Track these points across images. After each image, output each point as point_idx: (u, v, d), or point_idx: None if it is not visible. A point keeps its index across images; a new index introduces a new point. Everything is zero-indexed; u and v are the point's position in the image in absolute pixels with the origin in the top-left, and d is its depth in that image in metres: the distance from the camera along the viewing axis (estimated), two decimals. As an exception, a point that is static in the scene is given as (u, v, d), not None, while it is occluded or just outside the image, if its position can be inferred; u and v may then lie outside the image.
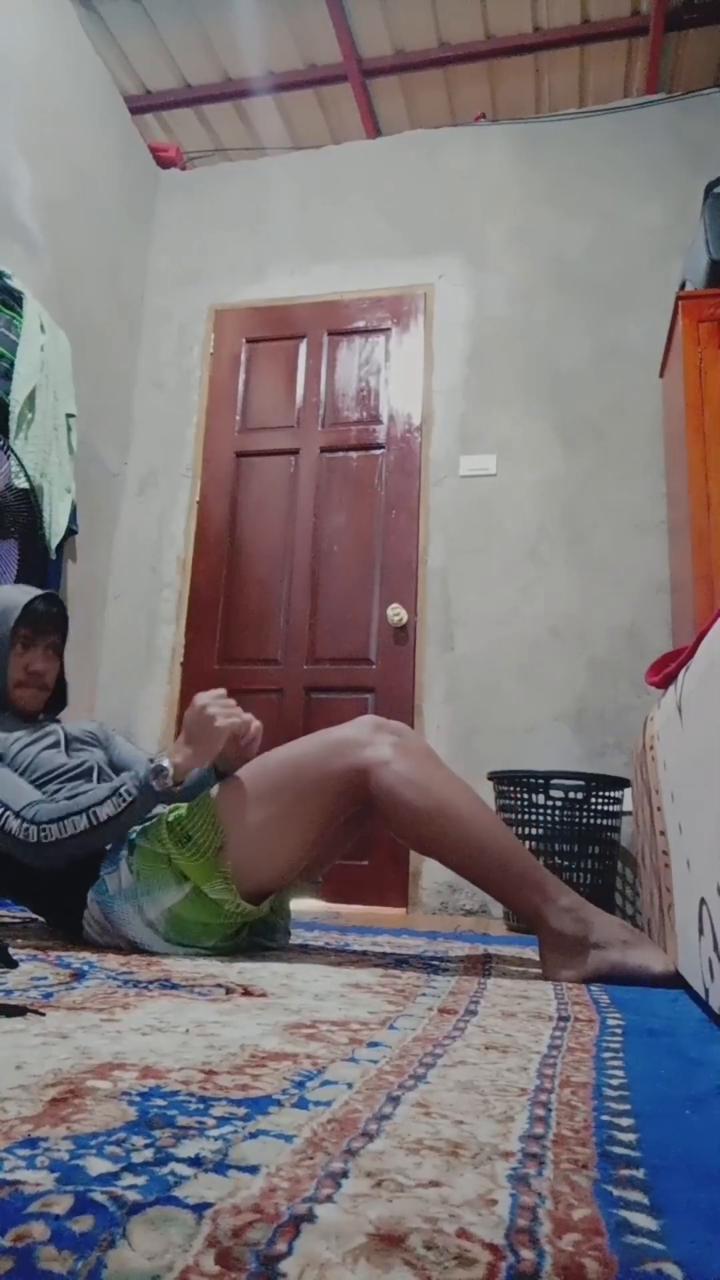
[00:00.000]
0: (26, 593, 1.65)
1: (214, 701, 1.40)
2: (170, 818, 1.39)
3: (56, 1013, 0.86)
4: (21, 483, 2.40)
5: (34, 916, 1.84)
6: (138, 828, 1.43)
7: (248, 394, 3.48)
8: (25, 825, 1.35)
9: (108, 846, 1.42)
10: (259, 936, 1.49)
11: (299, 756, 1.39)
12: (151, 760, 1.37)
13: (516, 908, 1.34)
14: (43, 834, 1.34)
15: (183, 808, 1.41)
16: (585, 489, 3.04)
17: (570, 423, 3.11)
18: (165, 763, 1.35)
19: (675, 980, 1.25)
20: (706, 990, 1.04)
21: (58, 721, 1.71)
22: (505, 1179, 0.47)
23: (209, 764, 1.44)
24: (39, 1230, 0.38)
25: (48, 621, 1.66)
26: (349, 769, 1.35)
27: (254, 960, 1.35)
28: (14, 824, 1.35)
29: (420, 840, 1.38)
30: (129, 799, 1.34)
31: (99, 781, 1.53)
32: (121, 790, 1.35)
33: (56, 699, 1.76)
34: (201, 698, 1.40)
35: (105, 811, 1.34)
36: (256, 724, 1.50)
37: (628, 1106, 0.63)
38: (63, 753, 1.60)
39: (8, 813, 1.37)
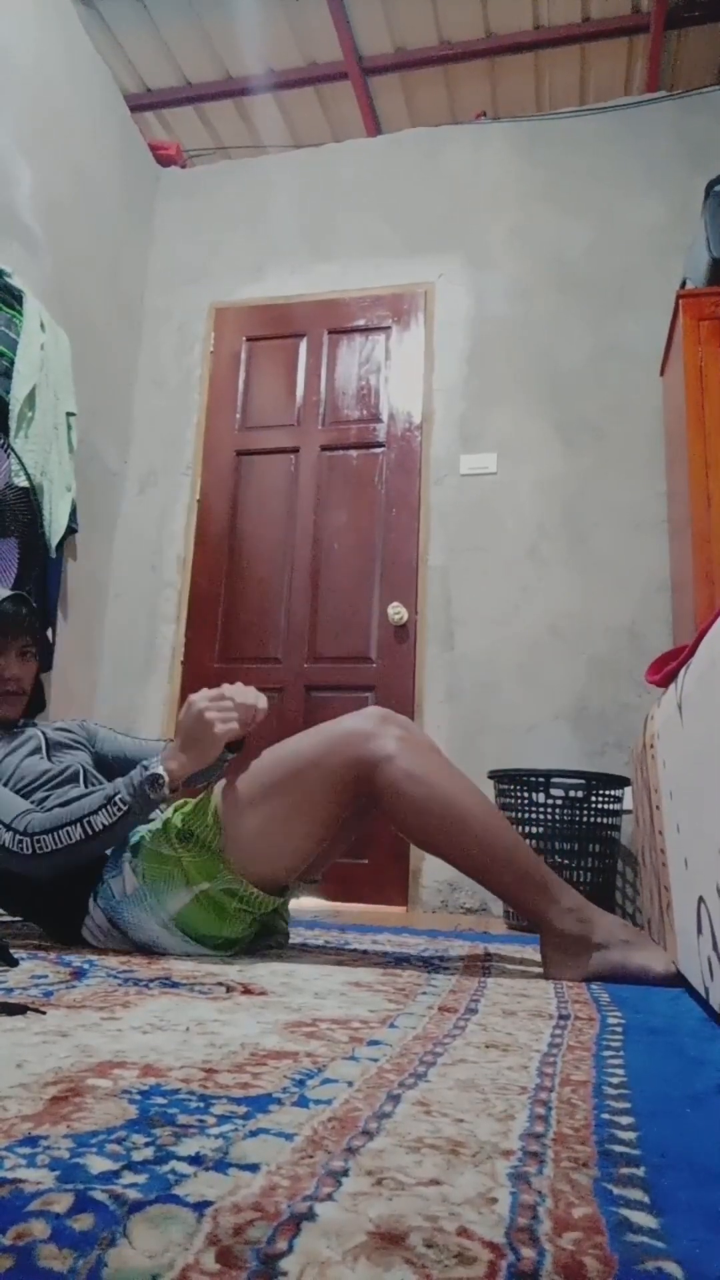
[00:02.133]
0: None
1: (210, 705, 1.36)
2: (174, 818, 1.38)
3: (57, 1011, 0.86)
4: (21, 481, 2.40)
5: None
6: (142, 829, 1.42)
7: (248, 392, 3.48)
8: (19, 837, 1.32)
9: (106, 852, 1.41)
10: (260, 939, 1.48)
11: (304, 749, 1.36)
12: (146, 767, 1.34)
13: (519, 906, 1.34)
14: (37, 845, 1.31)
15: (188, 804, 1.40)
16: (586, 488, 3.04)
17: (571, 421, 3.11)
18: (160, 770, 1.32)
19: (677, 980, 1.25)
20: (706, 989, 1.04)
21: (35, 725, 1.67)
22: (505, 1177, 0.47)
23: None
24: (39, 1228, 0.38)
25: (16, 624, 1.60)
26: (355, 762, 1.33)
27: (254, 959, 1.35)
28: (6, 836, 1.32)
29: (424, 836, 1.36)
30: (124, 808, 1.31)
31: (85, 785, 1.50)
32: (116, 799, 1.31)
33: (34, 701, 1.72)
34: (196, 700, 1.36)
35: (100, 821, 1.30)
36: (261, 704, 1.43)
37: (628, 1105, 0.63)
38: (45, 758, 1.56)
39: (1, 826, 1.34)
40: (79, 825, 1.30)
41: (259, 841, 1.33)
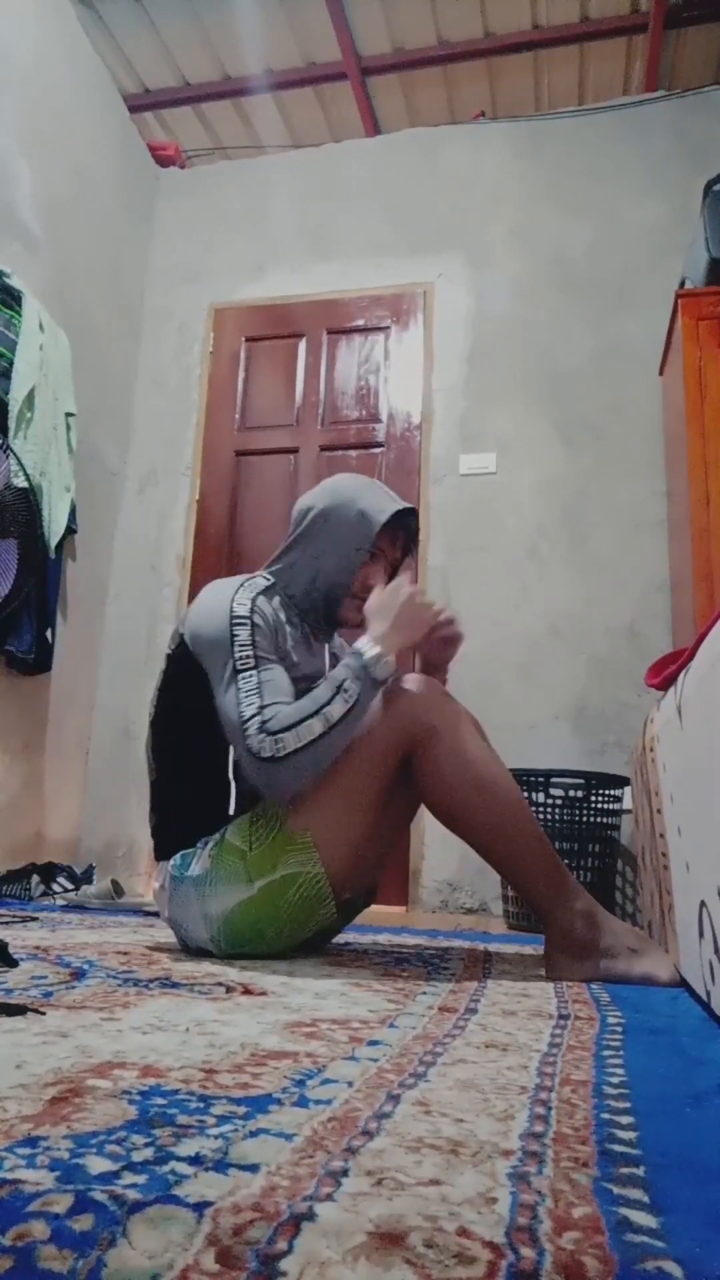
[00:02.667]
0: (394, 501, 1.52)
1: (417, 592, 1.38)
2: (251, 815, 1.36)
3: (57, 1012, 0.86)
4: (21, 482, 2.40)
5: (33, 916, 1.85)
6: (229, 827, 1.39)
7: (247, 393, 3.48)
8: (262, 737, 1.24)
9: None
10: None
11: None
12: (360, 652, 1.30)
13: (531, 900, 1.33)
14: (278, 746, 1.23)
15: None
16: (585, 487, 3.04)
17: (570, 421, 3.11)
18: (380, 650, 1.30)
19: (680, 986, 1.25)
20: (708, 993, 1.04)
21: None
22: (505, 1177, 0.47)
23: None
24: (39, 1229, 0.38)
25: (410, 540, 1.57)
26: (402, 731, 1.33)
27: (254, 959, 1.34)
28: (254, 738, 1.24)
29: (451, 814, 1.35)
30: (355, 693, 1.27)
31: None
32: (344, 685, 1.27)
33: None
34: (400, 587, 1.36)
35: (336, 710, 1.25)
36: (461, 624, 1.47)
37: (628, 1105, 0.63)
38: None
39: (254, 719, 1.25)
40: (317, 717, 1.25)
41: (324, 817, 1.31)
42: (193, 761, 1.43)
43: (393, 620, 1.34)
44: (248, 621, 1.36)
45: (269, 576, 1.51)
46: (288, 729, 1.24)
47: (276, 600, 1.46)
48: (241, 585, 1.43)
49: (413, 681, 1.37)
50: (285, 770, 1.24)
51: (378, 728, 1.34)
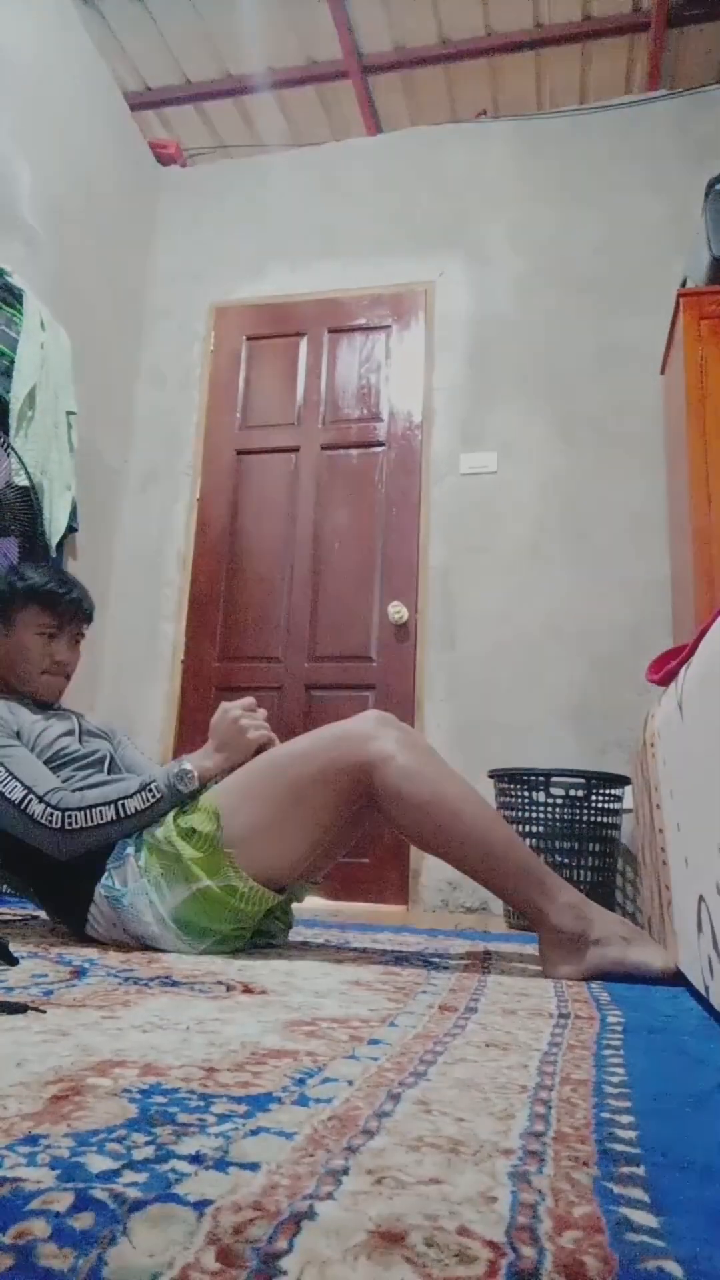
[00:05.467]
0: (52, 580, 1.65)
1: (245, 714, 1.44)
2: (175, 815, 1.40)
3: (57, 1010, 0.86)
4: (21, 480, 2.40)
5: (34, 914, 1.85)
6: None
7: (248, 391, 3.48)
8: (50, 810, 1.36)
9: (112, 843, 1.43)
10: (258, 936, 1.49)
11: (303, 751, 1.39)
12: (180, 763, 1.40)
13: (517, 904, 1.34)
14: (68, 820, 1.35)
15: (188, 805, 1.42)
16: (586, 486, 3.04)
17: (571, 420, 3.11)
18: (189, 767, 1.39)
19: (676, 978, 1.25)
20: (707, 988, 1.04)
21: (74, 713, 1.71)
22: (506, 1176, 0.47)
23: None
24: (39, 1227, 0.38)
25: (77, 612, 1.66)
26: (352, 764, 1.35)
27: (254, 958, 1.35)
28: (37, 808, 1.36)
29: (422, 836, 1.38)
30: (157, 795, 1.37)
31: (109, 773, 1.56)
32: (151, 786, 1.38)
33: None
34: (231, 707, 1.45)
35: (133, 805, 1.37)
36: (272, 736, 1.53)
37: (628, 1104, 0.63)
38: (77, 740, 1.60)
39: (30, 795, 1.37)
40: (112, 806, 1.36)
41: (257, 840, 1.35)
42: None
43: (216, 742, 1.45)
44: None
45: None
46: (80, 808, 1.36)
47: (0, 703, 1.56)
48: None
49: (368, 715, 1.42)
50: (70, 841, 1.36)
51: (327, 751, 1.37)
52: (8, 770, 1.40)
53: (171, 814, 1.41)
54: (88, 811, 1.35)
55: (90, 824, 1.35)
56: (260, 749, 1.47)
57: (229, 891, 1.33)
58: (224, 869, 1.33)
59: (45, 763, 1.50)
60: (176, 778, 1.38)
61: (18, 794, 1.38)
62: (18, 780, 1.39)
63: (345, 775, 1.36)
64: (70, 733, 1.61)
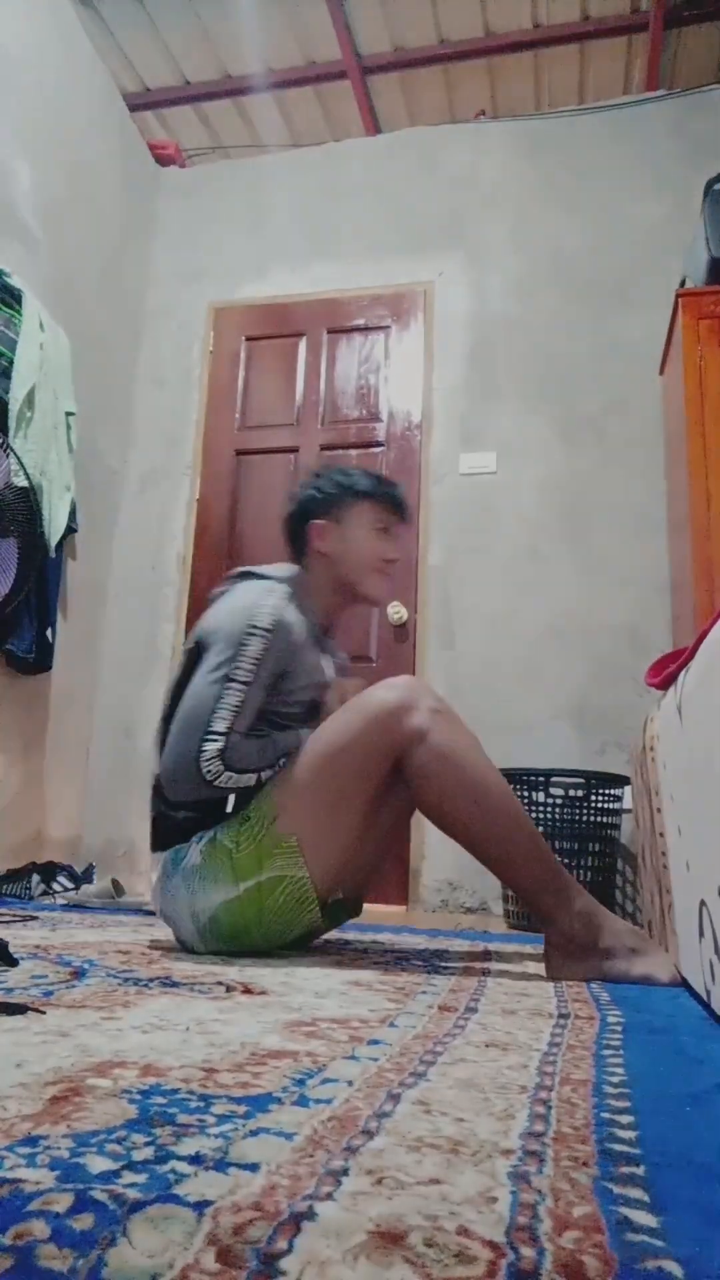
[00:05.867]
0: (380, 479, 1.62)
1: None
2: (241, 814, 1.39)
3: (57, 1011, 0.86)
4: (21, 481, 2.40)
5: (33, 915, 1.85)
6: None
7: (248, 392, 3.48)
8: (215, 763, 1.33)
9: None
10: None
11: (341, 730, 1.37)
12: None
13: (530, 902, 1.33)
14: (222, 778, 1.34)
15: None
16: (585, 487, 3.04)
17: (570, 420, 3.11)
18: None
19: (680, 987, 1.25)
20: (708, 992, 1.04)
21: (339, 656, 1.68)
22: (505, 1176, 0.47)
23: None
24: (39, 1228, 0.38)
25: (403, 508, 1.62)
26: (389, 741, 1.34)
27: (254, 958, 1.35)
28: (208, 760, 1.33)
29: (443, 817, 1.36)
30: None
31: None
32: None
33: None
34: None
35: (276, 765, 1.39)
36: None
37: (628, 1104, 0.63)
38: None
39: (217, 741, 1.34)
40: (263, 774, 1.38)
41: (311, 822, 1.34)
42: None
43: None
44: (265, 635, 1.40)
45: (290, 583, 1.53)
46: (241, 771, 1.35)
47: (294, 607, 1.49)
48: (270, 591, 1.46)
49: (400, 684, 1.39)
50: (203, 789, 1.35)
51: (368, 730, 1.35)
52: (230, 705, 1.36)
53: (260, 831, 1.38)
54: (244, 775, 1.36)
55: (236, 786, 1.36)
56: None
57: (275, 884, 1.32)
58: (274, 856, 1.32)
59: (296, 692, 1.46)
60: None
61: (219, 724, 1.34)
62: (227, 712, 1.35)
63: (382, 751, 1.35)
64: (327, 680, 1.57)
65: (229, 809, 1.41)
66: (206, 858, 1.36)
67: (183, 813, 1.43)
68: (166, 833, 1.44)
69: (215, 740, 1.33)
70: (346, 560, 1.56)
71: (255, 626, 1.39)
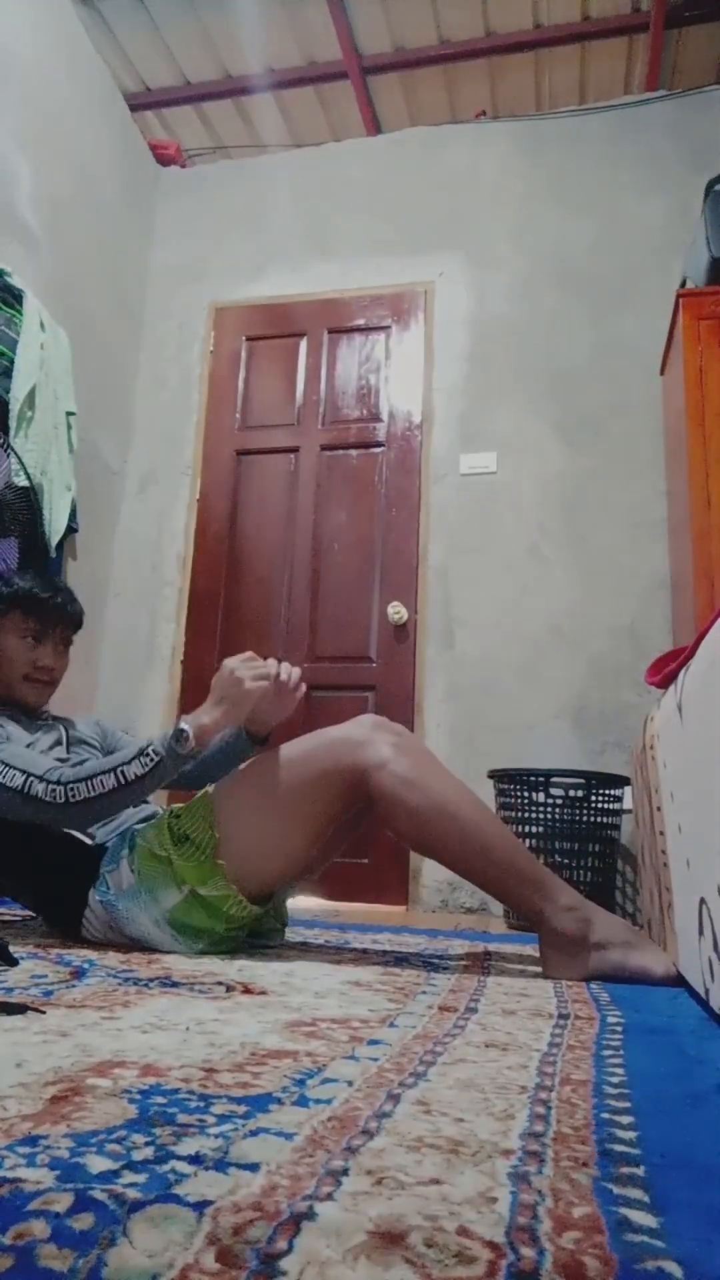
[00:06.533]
0: (36, 585, 1.64)
1: (242, 665, 1.39)
2: (169, 819, 1.40)
3: (57, 1011, 0.86)
4: (21, 481, 2.40)
5: (34, 915, 1.84)
6: (138, 825, 1.44)
7: (248, 392, 3.48)
8: (51, 787, 1.34)
9: (106, 843, 1.44)
10: (254, 937, 1.49)
11: (299, 756, 1.39)
12: (177, 723, 1.36)
13: (517, 907, 1.34)
14: (71, 793, 1.33)
15: (184, 806, 1.41)
16: (586, 487, 3.04)
17: (571, 420, 3.11)
18: (185, 725, 1.34)
19: (677, 982, 1.25)
20: (707, 990, 1.04)
21: (58, 720, 1.70)
22: (505, 1177, 0.47)
23: (239, 727, 1.46)
24: (39, 1228, 0.38)
25: (61, 616, 1.64)
26: (349, 769, 1.35)
27: (254, 958, 1.35)
28: (39, 787, 1.34)
29: (420, 841, 1.37)
30: (156, 758, 1.33)
31: None
32: (149, 750, 1.34)
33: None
34: (230, 661, 1.40)
35: (134, 770, 1.33)
36: (294, 671, 1.49)
37: (628, 1104, 0.63)
38: (65, 750, 1.61)
39: (30, 778, 1.35)
40: (112, 774, 1.33)
41: (253, 847, 1.35)
42: (20, 847, 1.47)
43: (215, 696, 1.39)
44: None
45: None
46: (80, 780, 1.33)
47: None
48: None
49: (363, 720, 1.41)
50: (74, 814, 1.35)
51: (322, 756, 1.36)
52: (3, 762, 1.38)
53: (165, 816, 1.41)
54: (89, 782, 1.33)
55: (94, 793, 1.32)
56: (263, 736, 1.45)
57: (220, 900, 1.34)
58: (215, 879, 1.34)
59: None
60: (174, 739, 1.34)
61: (17, 780, 1.36)
62: (13, 769, 1.37)
63: (340, 781, 1.36)
64: (59, 743, 1.60)
65: (94, 841, 1.45)
66: (140, 870, 1.37)
67: (55, 888, 1.45)
68: (63, 907, 1.45)
69: (26, 785, 1.35)
70: (1, 670, 1.61)
71: None
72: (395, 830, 1.39)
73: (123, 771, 1.33)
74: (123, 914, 1.38)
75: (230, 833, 1.35)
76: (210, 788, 1.42)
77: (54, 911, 1.48)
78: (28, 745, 1.54)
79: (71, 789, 1.33)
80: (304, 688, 1.52)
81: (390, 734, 1.39)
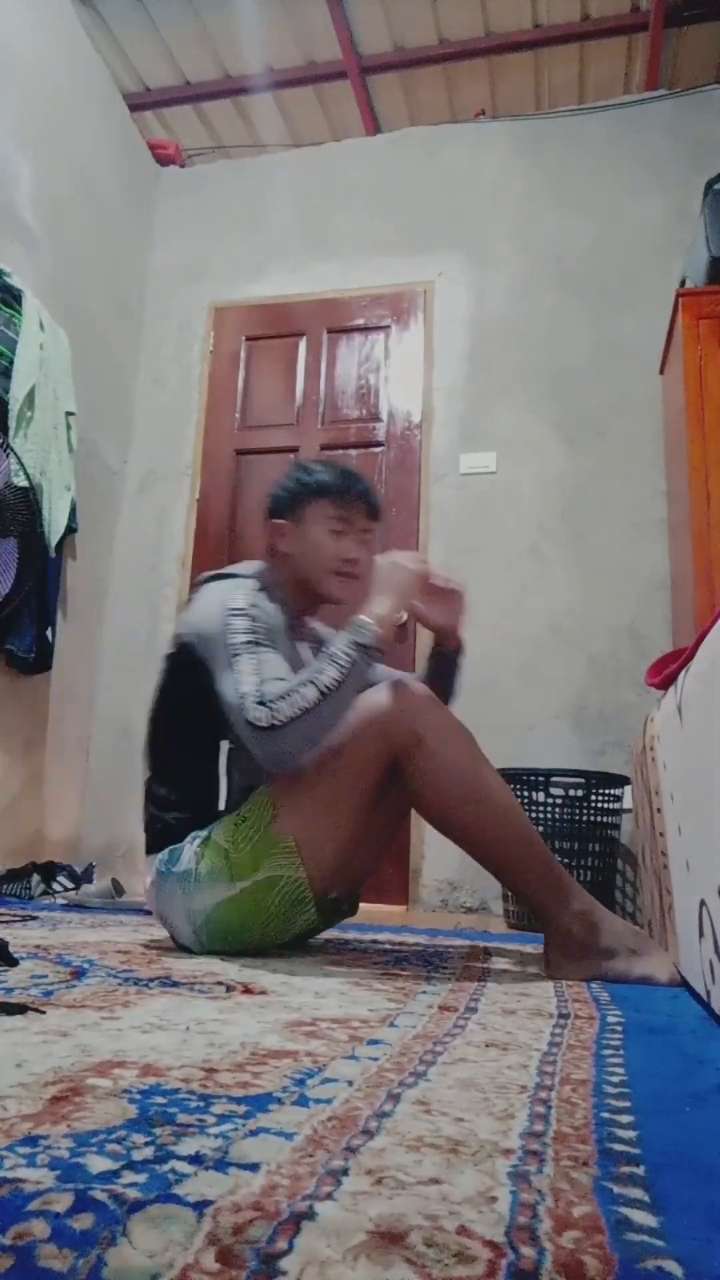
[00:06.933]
0: (338, 474, 1.56)
1: (404, 554, 1.39)
2: (236, 816, 1.38)
3: (57, 1011, 0.86)
4: (21, 481, 2.40)
5: (33, 915, 1.85)
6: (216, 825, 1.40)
7: (248, 392, 3.48)
8: (259, 708, 1.24)
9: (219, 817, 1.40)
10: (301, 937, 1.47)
11: (347, 737, 1.35)
12: (351, 622, 1.32)
13: (530, 902, 1.33)
14: (274, 715, 1.23)
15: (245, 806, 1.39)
16: (586, 486, 3.04)
17: (571, 420, 3.11)
18: (364, 617, 1.31)
19: (680, 987, 1.25)
20: (708, 992, 1.04)
21: (324, 636, 1.65)
22: (505, 1176, 0.47)
23: (404, 613, 1.41)
24: (39, 1228, 0.38)
25: (366, 504, 1.54)
26: (387, 742, 1.33)
27: (254, 958, 1.35)
28: (251, 710, 1.25)
29: (442, 820, 1.36)
30: (347, 657, 1.27)
31: None
32: (333, 652, 1.27)
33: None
34: (387, 554, 1.40)
35: (328, 676, 1.25)
36: (458, 580, 1.48)
37: (628, 1104, 0.63)
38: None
39: (250, 694, 1.26)
40: (311, 685, 1.25)
41: (308, 822, 1.33)
42: (186, 758, 1.46)
43: (379, 585, 1.37)
44: (244, 612, 1.38)
45: (256, 578, 1.53)
46: (283, 697, 1.24)
47: (264, 597, 1.48)
48: (236, 586, 1.46)
49: (403, 688, 1.38)
50: (284, 739, 1.24)
51: (364, 732, 1.34)
52: (236, 670, 1.29)
53: (257, 831, 1.35)
54: (289, 698, 1.23)
55: (297, 712, 1.22)
56: (431, 589, 1.45)
57: (269, 885, 1.31)
58: (274, 853, 1.31)
59: None
60: (354, 630, 1.29)
61: (248, 685, 1.27)
62: (245, 675, 1.28)
63: (380, 751, 1.34)
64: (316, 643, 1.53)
65: (221, 806, 1.41)
66: (201, 858, 1.36)
67: (174, 814, 1.43)
68: (159, 835, 1.44)
69: (247, 697, 1.26)
70: (304, 562, 1.53)
71: (232, 609, 1.38)
72: (419, 806, 1.37)
73: (318, 680, 1.25)
74: (165, 891, 1.38)
75: (286, 806, 1.33)
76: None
77: (153, 833, 1.45)
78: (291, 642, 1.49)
79: (274, 709, 1.23)
80: (466, 588, 1.51)
81: (427, 700, 1.37)
